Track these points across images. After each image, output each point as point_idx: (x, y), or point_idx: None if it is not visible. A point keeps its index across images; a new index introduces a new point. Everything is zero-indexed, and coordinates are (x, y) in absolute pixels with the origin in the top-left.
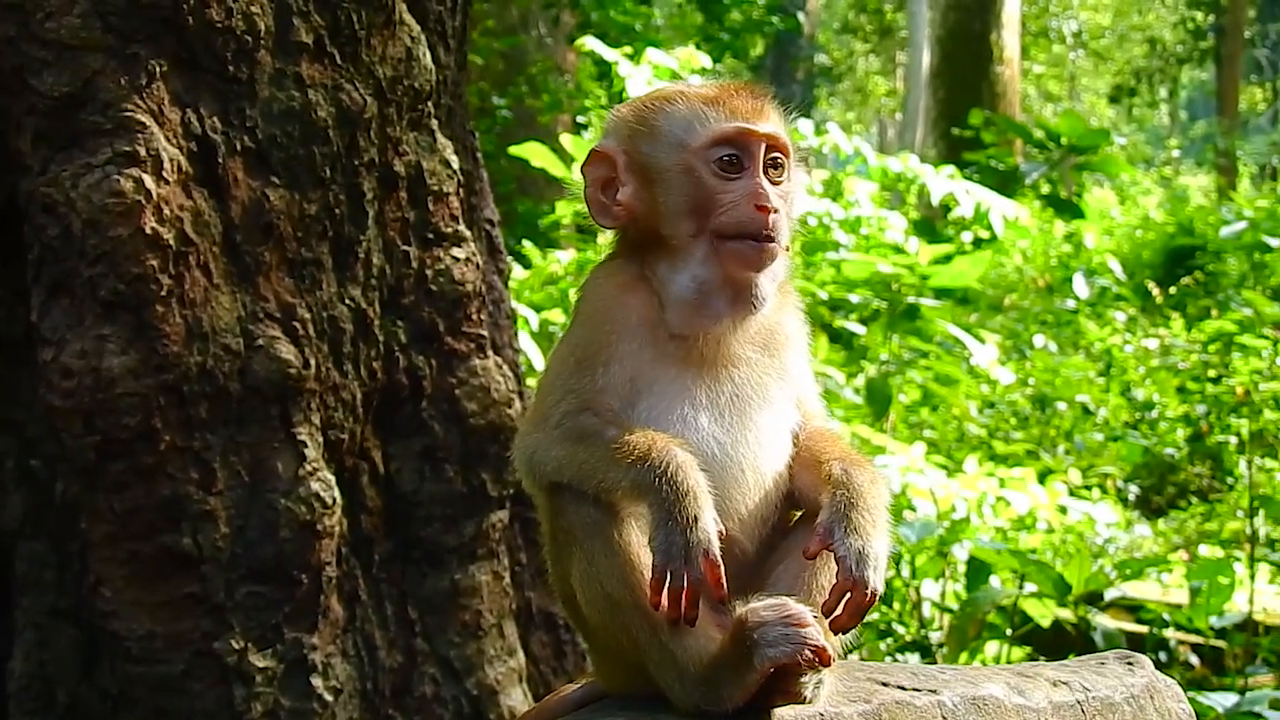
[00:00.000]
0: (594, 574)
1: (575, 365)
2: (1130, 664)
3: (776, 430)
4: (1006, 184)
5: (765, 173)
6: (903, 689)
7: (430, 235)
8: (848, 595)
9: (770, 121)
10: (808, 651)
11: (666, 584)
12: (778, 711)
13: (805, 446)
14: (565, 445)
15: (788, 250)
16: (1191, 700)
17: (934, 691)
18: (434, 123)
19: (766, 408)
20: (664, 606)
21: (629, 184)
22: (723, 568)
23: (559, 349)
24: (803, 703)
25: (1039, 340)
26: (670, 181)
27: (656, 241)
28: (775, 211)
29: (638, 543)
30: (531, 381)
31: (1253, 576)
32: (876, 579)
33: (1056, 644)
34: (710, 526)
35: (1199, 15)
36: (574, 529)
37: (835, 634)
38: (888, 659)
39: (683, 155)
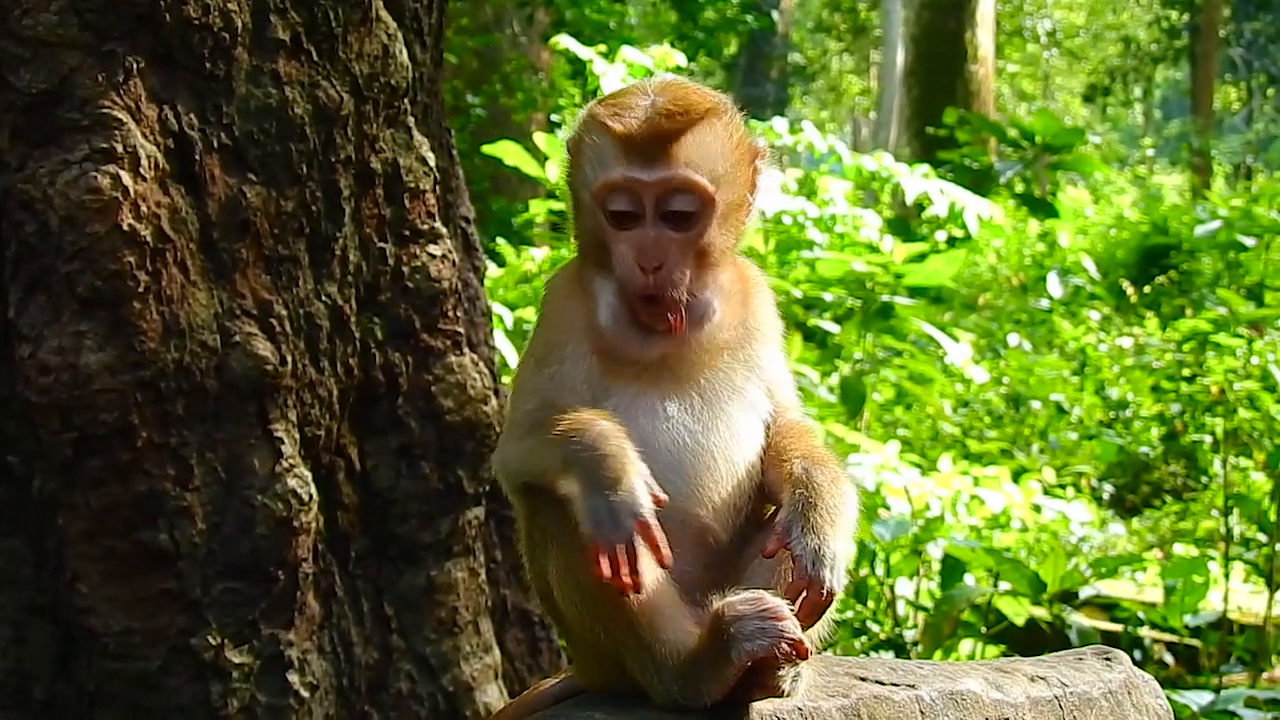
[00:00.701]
0: (570, 569)
1: (535, 365)
2: (1108, 660)
3: (748, 419)
4: (981, 183)
5: (666, 215)
6: (881, 684)
7: (406, 232)
8: (804, 594)
9: (676, 163)
10: (785, 645)
11: (604, 554)
12: (756, 705)
13: (773, 442)
14: (523, 440)
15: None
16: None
17: (912, 686)
18: (410, 120)
19: (736, 398)
20: (608, 577)
21: (567, 194)
22: (657, 528)
23: (527, 348)
24: (781, 696)
25: (1013, 339)
26: (581, 215)
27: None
28: (658, 268)
29: None
30: (507, 380)
31: (1227, 575)
32: (833, 579)
33: (1031, 642)
34: (636, 486)
35: (1174, 14)
36: (550, 525)
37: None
38: (861, 657)
39: (587, 196)
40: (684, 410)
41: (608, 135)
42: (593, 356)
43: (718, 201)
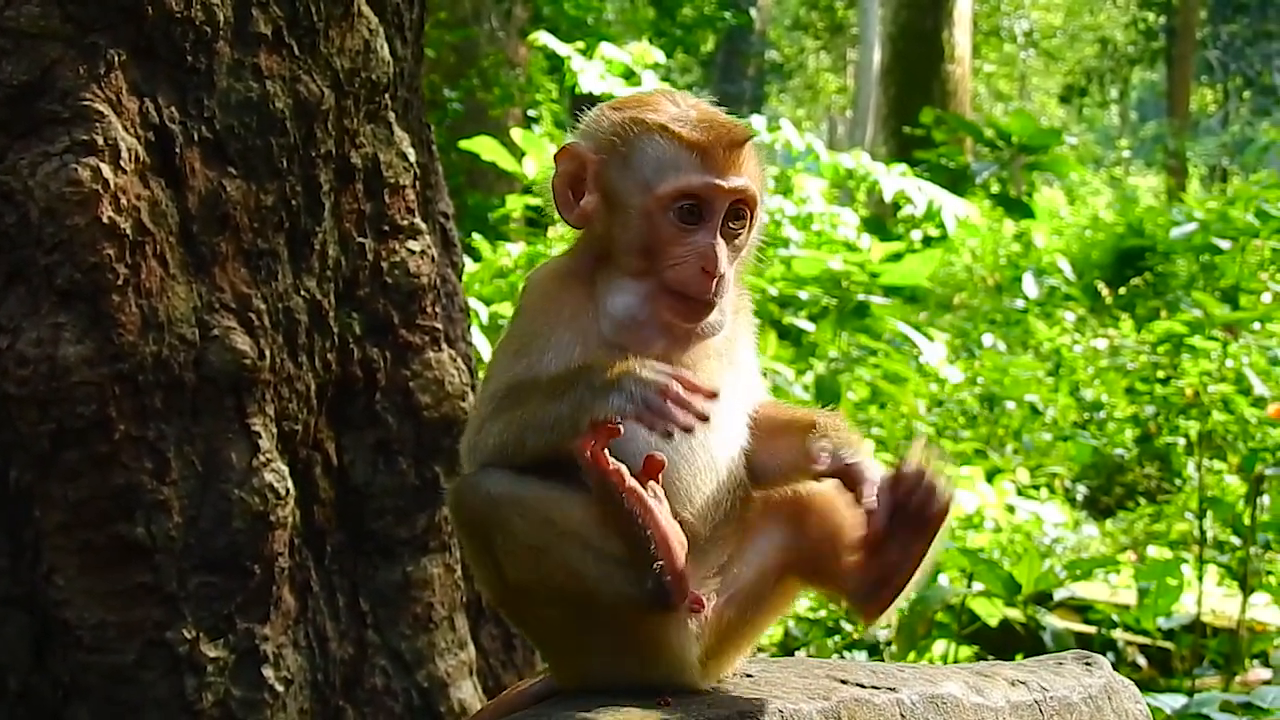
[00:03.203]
0: (524, 555)
1: (513, 355)
2: (1088, 664)
3: (728, 415)
4: (957, 182)
5: (727, 223)
6: (862, 686)
7: (386, 228)
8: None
9: (743, 174)
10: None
11: (670, 418)
12: (736, 706)
13: (766, 416)
14: (502, 415)
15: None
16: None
17: (893, 690)
18: (391, 115)
19: (720, 398)
20: (682, 423)
21: (593, 196)
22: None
23: (500, 343)
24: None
25: (988, 339)
26: (630, 219)
27: (608, 254)
28: (722, 276)
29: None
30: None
31: (1200, 578)
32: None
33: (1005, 643)
34: (645, 359)
35: (1150, 16)
36: (500, 518)
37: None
38: (835, 656)
39: (646, 199)
40: None
41: (678, 143)
42: (578, 348)
43: (760, 212)
